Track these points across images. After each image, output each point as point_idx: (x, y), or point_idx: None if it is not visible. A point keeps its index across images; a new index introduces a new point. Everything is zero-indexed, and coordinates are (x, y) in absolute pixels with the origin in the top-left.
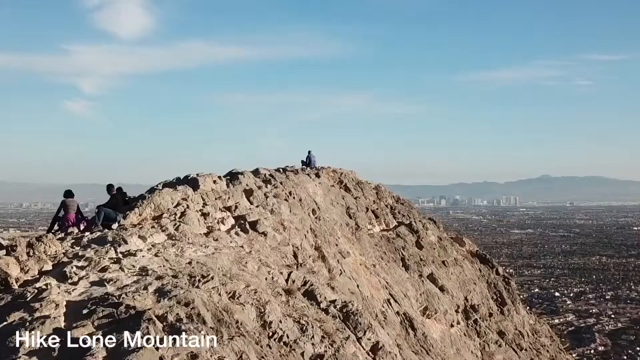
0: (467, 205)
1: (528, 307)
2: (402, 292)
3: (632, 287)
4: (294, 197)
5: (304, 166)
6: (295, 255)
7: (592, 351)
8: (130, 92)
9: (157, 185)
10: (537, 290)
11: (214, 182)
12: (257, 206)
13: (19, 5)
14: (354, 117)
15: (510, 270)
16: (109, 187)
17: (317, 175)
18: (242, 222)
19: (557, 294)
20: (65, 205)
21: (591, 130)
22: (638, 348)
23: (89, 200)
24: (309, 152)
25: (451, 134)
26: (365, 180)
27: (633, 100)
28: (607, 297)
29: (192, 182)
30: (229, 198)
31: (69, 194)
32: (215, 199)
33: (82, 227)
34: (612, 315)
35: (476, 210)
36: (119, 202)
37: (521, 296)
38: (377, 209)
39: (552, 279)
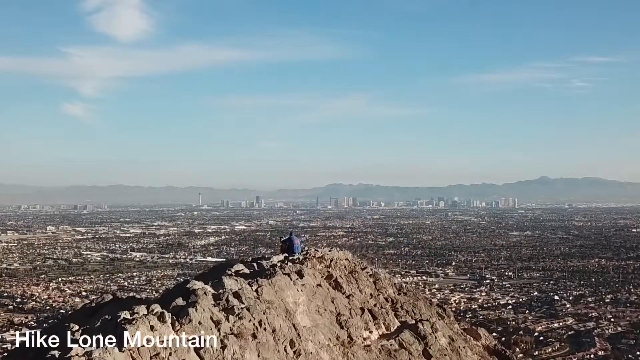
0: (465, 206)
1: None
2: None
3: (632, 290)
4: (265, 329)
5: (286, 254)
6: None
7: (592, 355)
8: (129, 95)
9: (76, 331)
10: (536, 293)
11: (152, 327)
12: None
13: (17, 8)
14: (353, 119)
15: (510, 273)
16: None
17: (300, 275)
18: None
19: (556, 297)
20: None
21: (589, 131)
22: (638, 352)
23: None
24: (291, 233)
25: (449, 135)
26: (360, 265)
27: (631, 102)
28: (606, 300)
29: (118, 333)
30: (170, 355)
31: None
32: (151, 358)
33: None
34: (612, 319)
35: (475, 211)
36: None
37: None
38: (375, 305)
39: (551, 281)
